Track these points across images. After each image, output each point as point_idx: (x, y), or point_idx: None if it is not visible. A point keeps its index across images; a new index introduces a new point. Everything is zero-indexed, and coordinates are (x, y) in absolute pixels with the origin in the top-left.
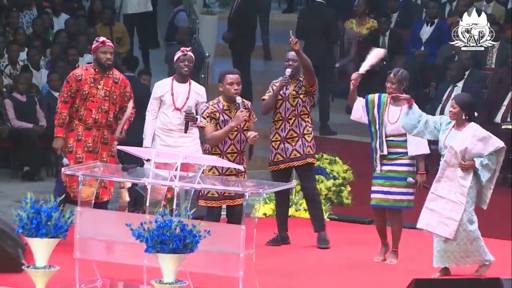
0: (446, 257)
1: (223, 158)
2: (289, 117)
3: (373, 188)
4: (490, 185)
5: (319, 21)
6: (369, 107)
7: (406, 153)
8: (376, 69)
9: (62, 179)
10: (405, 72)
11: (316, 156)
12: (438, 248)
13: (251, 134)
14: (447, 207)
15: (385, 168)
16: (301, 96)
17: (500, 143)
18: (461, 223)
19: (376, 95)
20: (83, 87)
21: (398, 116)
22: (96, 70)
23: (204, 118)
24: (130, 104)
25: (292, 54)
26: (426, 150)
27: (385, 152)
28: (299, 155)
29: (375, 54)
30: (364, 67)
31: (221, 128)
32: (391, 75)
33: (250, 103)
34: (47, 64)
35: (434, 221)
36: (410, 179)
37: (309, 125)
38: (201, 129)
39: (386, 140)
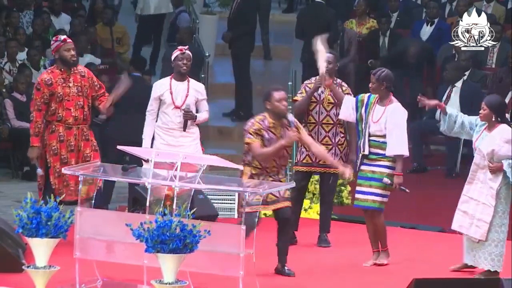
0: (473, 255)
1: (263, 172)
2: (323, 121)
3: (356, 188)
4: None
5: (318, 21)
6: (358, 106)
7: (385, 154)
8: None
9: (51, 181)
10: (385, 72)
11: None
12: (471, 246)
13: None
14: (478, 209)
15: (365, 168)
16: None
17: None
18: (493, 225)
19: (366, 95)
20: (56, 90)
21: (381, 116)
22: (62, 69)
23: (251, 134)
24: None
25: (328, 55)
26: (404, 152)
27: (366, 152)
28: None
29: (320, 50)
30: (321, 65)
31: (264, 145)
32: (372, 74)
33: (340, 80)
34: (51, 63)
35: (466, 223)
36: (385, 179)
37: (342, 135)
38: (247, 144)
39: (369, 140)
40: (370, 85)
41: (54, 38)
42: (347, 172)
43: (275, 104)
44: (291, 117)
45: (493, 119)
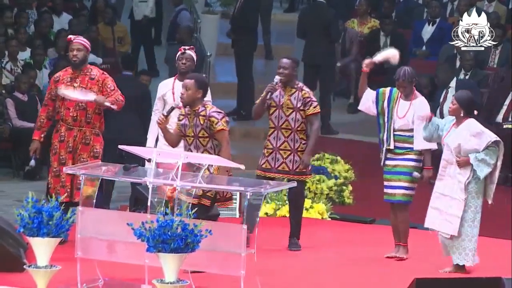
0: (449, 250)
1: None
2: (282, 126)
3: (384, 183)
4: (493, 179)
5: (319, 20)
6: (379, 99)
7: (413, 148)
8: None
9: (48, 180)
10: (409, 70)
11: (318, 155)
12: (445, 242)
13: None
14: (450, 204)
15: (392, 162)
16: (302, 112)
17: (493, 137)
18: (466, 219)
19: (388, 89)
20: (60, 87)
21: (407, 111)
22: (73, 69)
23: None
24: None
25: (284, 61)
26: (433, 146)
27: (392, 147)
28: (287, 169)
29: (391, 54)
30: (379, 57)
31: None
32: (400, 80)
33: (301, 83)
34: (50, 63)
35: (438, 219)
36: (415, 173)
37: (304, 142)
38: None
39: (394, 135)
40: (401, 90)
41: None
42: None
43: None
44: (174, 104)
45: (461, 114)
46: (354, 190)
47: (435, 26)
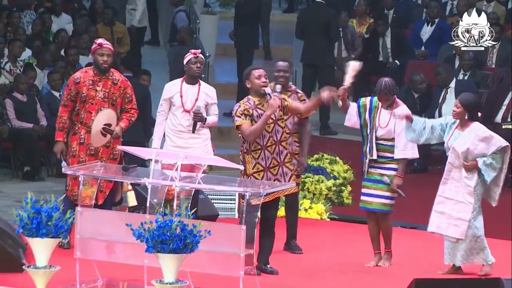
0: (454, 255)
1: (264, 152)
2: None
3: (362, 190)
4: (498, 183)
5: (319, 21)
6: (361, 111)
7: (394, 157)
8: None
9: (67, 183)
10: (389, 82)
11: (316, 156)
12: (450, 246)
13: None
14: (456, 208)
15: (373, 170)
16: (298, 114)
17: (503, 142)
18: (471, 222)
19: (368, 99)
20: (82, 90)
21: (389, 120)
22: (95, 72)
23: (239, 117)
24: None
25: (283, 64)
26: (414, 155)
27: (375, 157)
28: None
29: (352, 68)
30: (348, 80)
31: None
32: (381, 93)
33: (294, 86)
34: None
35: (444, 223)
36: (385, 178)
37: (297, 144)
38: (238, 128)
39: (377, 143)
40: (382, 100)
41: (95, 40)
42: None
43: (255, 82)
44: (268, 89)
45: (466, 117)
46: (353, 190)
47: (434, 27)
